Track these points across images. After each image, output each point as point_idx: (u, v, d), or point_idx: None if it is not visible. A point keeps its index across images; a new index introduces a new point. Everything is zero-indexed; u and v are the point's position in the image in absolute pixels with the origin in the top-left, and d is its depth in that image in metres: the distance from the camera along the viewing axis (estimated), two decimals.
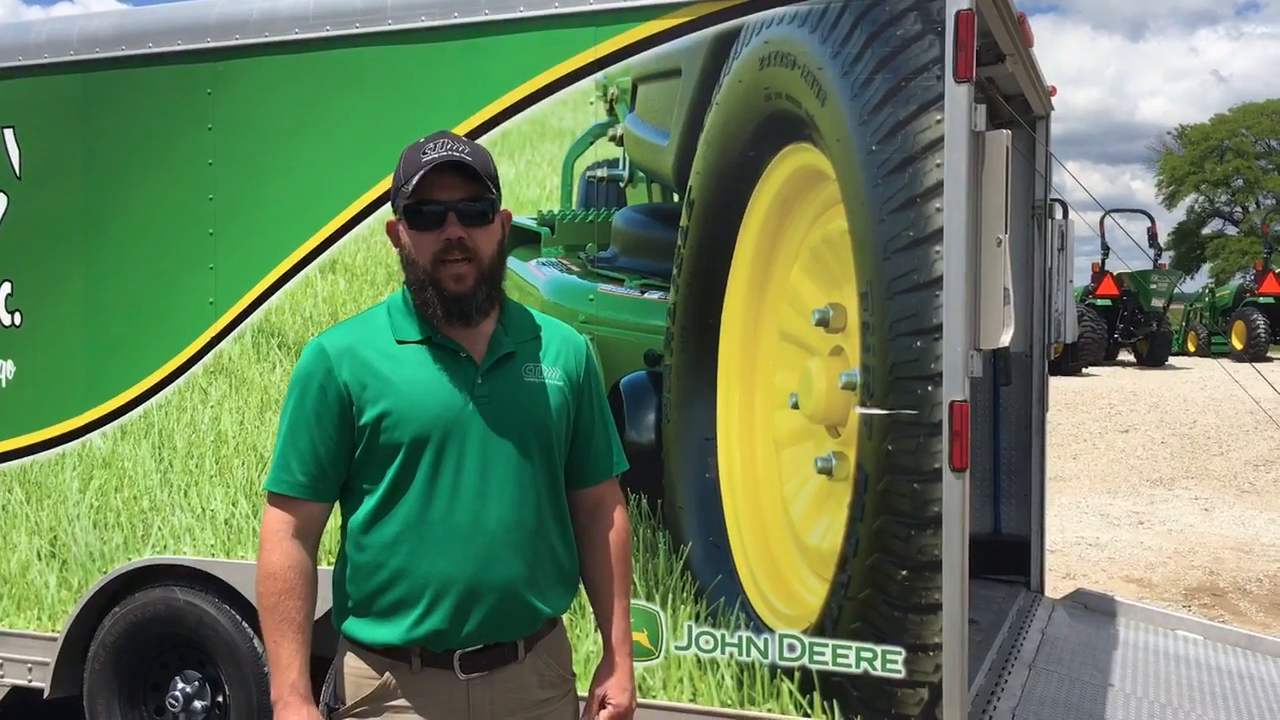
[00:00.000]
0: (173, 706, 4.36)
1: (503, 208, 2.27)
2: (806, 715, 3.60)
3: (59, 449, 4.49)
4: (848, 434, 3.52)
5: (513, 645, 2.23)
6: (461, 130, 3.87)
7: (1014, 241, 4.79)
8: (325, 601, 2.26)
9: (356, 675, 2.21)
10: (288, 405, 2.24)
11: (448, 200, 2.16)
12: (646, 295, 3.79)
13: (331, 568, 2.30)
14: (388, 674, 2.19)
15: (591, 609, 2.44)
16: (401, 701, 2.18)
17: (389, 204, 2.29)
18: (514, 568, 2.19)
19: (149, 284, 4.36)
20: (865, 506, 3.48)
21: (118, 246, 4.40)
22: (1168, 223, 58.59)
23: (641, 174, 3.83)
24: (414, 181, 2.14)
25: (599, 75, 3.80)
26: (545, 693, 2.29)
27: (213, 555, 4.26)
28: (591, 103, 3.83)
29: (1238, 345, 23.28)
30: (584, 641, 3.80)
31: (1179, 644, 5.32)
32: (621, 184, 3.85)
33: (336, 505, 2.29)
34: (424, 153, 2.16)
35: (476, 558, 2.16)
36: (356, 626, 2.21)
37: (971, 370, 3.45)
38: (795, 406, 3.63)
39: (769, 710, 3.64)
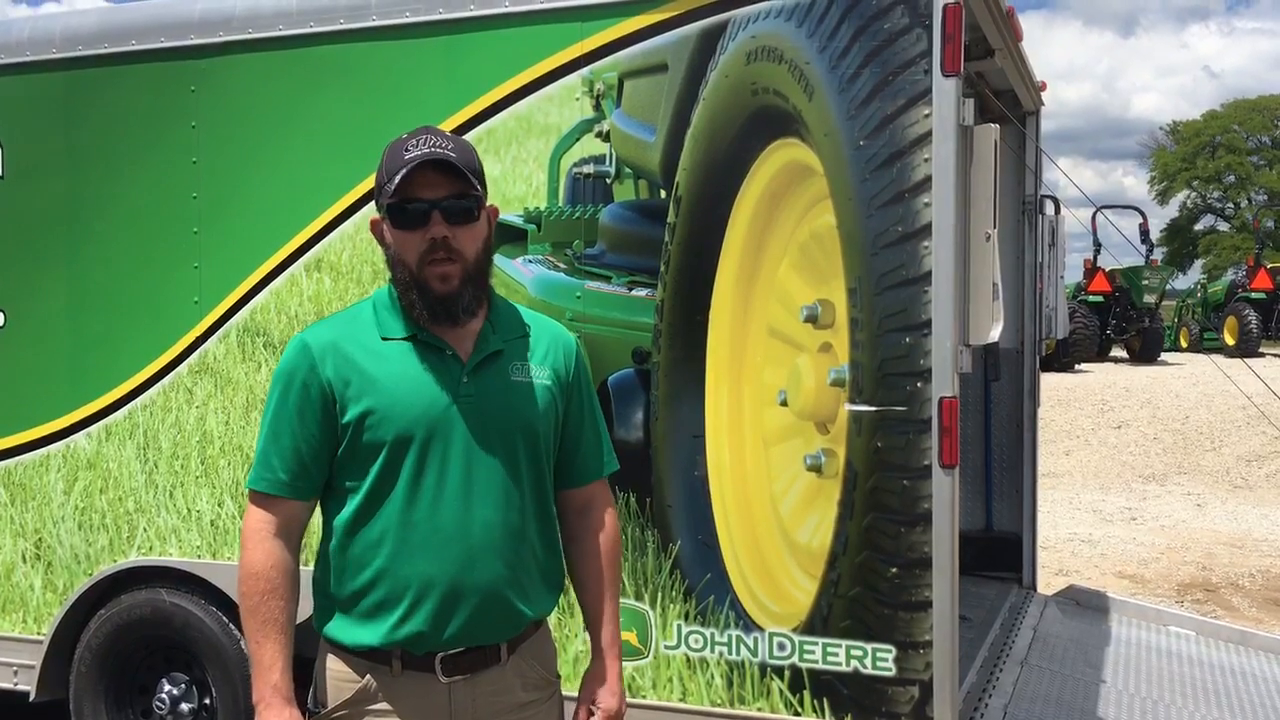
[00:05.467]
0: (159, 709, 4.33)
1: (488, 203, 2.24)
2: (797, 714, 3.58)
3: (43, 450, 4.46)
4: (837, 431, 3.50)
5: (495, 648, 2.20)
6: (447, 126, 3.84)
7: (1004, 237, 4.78)
8: (307, 602, 2.23)
9: (337, 678, 2.19)
10: (270, 402, 2.21)
11: (431, 198, 2.12)
12: (634, 292, 3.77)
13: (312, 568, 2.27)
14: (368, 676, 2.16)
15: (580, 610, 2.42)
16: (383, 705, 2.15)
17: (374, 202, 2.26)
18: (497, 570, 2.16)
19: (133, 283, 4.33)
20: (855, 504, 3.46)
21: (101, 245, 4.37)
22: (1160, 219, 58.79)
23: (628, 170, 3.80)
24: (397, 179, 2.10)
25: (585, 71, 3.77)
26: (529, 695, 2.26)
27: (199, 557, 4.23)
28: (578, 98, 3.80)
29: (1230, 341, 23.31)
30: (573, 641, 3.77)
31: (1171, 640, 5.31)
32: (608, 180, 3.83)
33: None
34: (406, 150, 2.13)
35: (459, 559, 2.13)
36: (337, 628, 2.18)
37: (961, 366, 3.43)
38: (784, 403, 3.60)
39: (759, 709, 3.62)
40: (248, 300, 4.19)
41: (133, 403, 4.33)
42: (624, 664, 3.62)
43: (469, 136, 3.83)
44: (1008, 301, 4.90)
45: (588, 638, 2.39)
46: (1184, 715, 4.38)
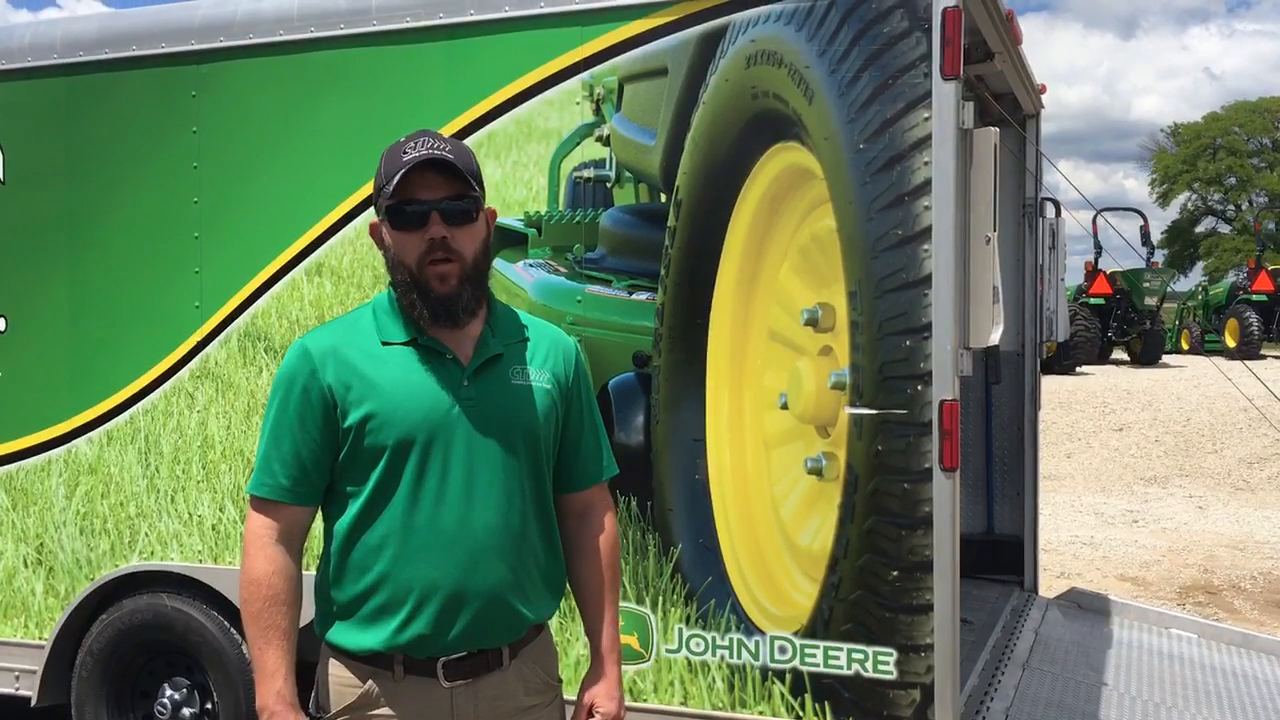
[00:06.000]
0: (161, 714, 4.33)
1: (487, 206, 2.25)
2: (798, 717, 3.58)
3: (45, 455, 4.46)
4: (837, 434, 3.50)
5: (497, 652, 2.20)
6: (448, 131, 3.85)
7: (1004, 240, 4.78)
8: (310, 607, 2.23)
9: (339, 683, 2.19)
10: (271, 407, 2.21)
11: (430, 200, 2.13)
12: (634, 296, 3.77)
13: (314, 573, 2.27)
14: (370, 681, 2.16)
15: (580, 614, 2.42)
16: (385, 710, 2.15)
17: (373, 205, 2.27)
18: (499, 573, 2.16)
19: (134, 288, 4.33)
20: (855, 507, 3.46)
21: (102, 250, 4.38)
22: (1161, 221, 58.79)
23: (628, 174, 3.81)
24: (395, 181, 2.11)
25: (585, 75, 3.78)
26: (531, 699, 2.26)
27: (200, 561, 4.23)
28: (578, 103, 3.81)
29: (1231, 343, 23.30)
30: (574, 645, 3.77)
31: (1173, 643, 5.31)
32: (608, 184, 3.83)
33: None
34: (404, 152, 2.14)
35: (461, 563, 2.14)
36: (339, 633, 2.18)
37: (961, 369, 3.43)
38: (784, 407, 3.60)
39: (760, 713, 3.62)
40: (249, 305, 4.19)
41: (134, 407, 4.33)
42: (625, 668, 3.64)
43: (469, 141, 3.84)
44: (1008, 304, 4.90)
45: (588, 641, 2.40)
46: (1185, 718, 4.38)
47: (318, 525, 2.26)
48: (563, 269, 3.87)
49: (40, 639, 4.44)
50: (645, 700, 3.73)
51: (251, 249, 4.19)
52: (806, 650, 3.56)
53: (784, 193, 3.58)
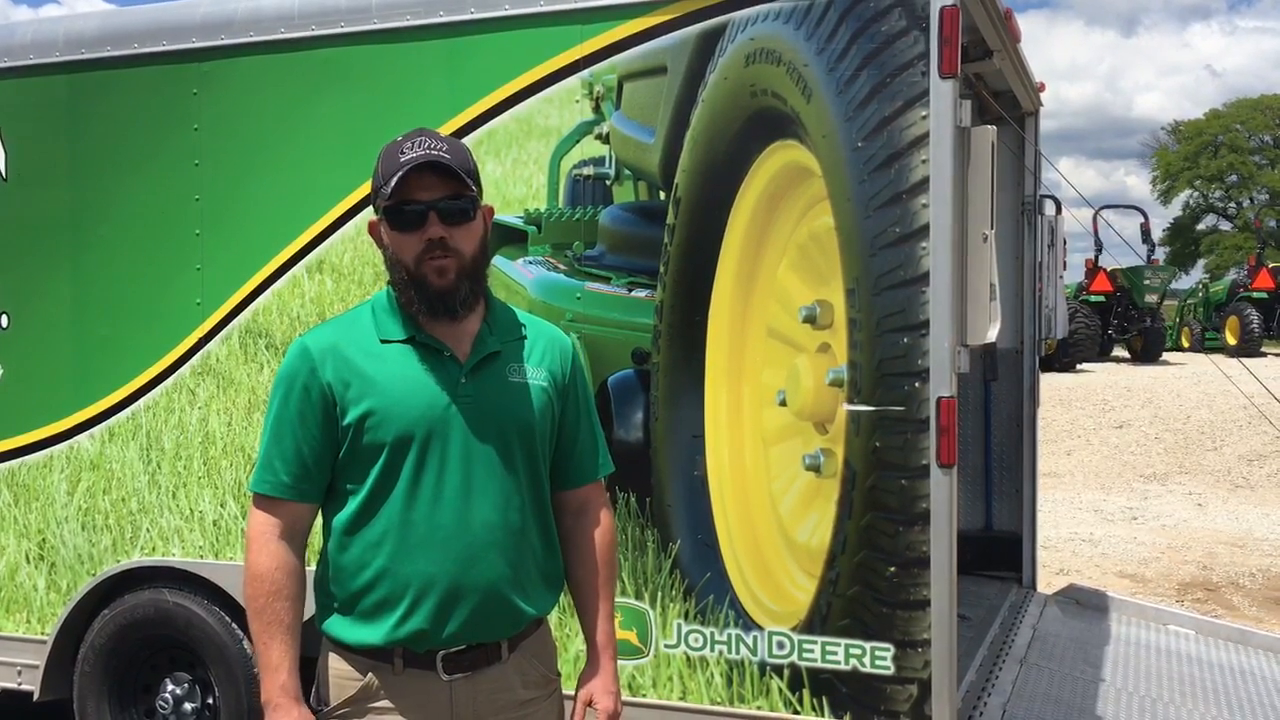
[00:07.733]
0: (163, 708, 4.35)
1: (485, 203, 2.26)
2: (796, 712, 3.60)
3: (47, 451, 4.48)
4: (835, 431, 3.52)
5: (496, 645, 2.22)
6: (447, 129, 3.86)
7: (1003, 237, 4.80)
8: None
9: (339, 676, 2.20)
10: (272, 405, 2.23)
11: (428, 200, 2.15)
12: (634, 293, 3.79)
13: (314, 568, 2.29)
14: (370, 675, 2.18)
15: (576, 610, 2.43)
16: (384, 703, 2.17)
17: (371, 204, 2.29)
18: (497, 568, 2.18)
19: (136, 285, 4.35)
20: (853, 503, 3.47)
21: (104, 248, 4.39)
22: (1163, 219, 58.75)
23: (628, 172, 3.82)
24: (393, 182, 2.13)
25: (585, 73, 3.79)
26: (529, 693, 2.28)
27: (201, 557, 4.25)
28: (577, 101, 3.82)
29: (1231, 341, 23.32)
30: (574, 640, 3.79)
31: (1171, 639, 5.32)
32: (608, 182, 3.85)
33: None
34: (402, 152, 2.15)
35: (459, 558, 2.15)
36: (339, 627, 2.20)
37: (959, 366, 3.44)
38: (783, 404, 3.62)
39: (758, 708, 3.64)
40: (250, 302, 4.21)
41: (136, 404, 4.35)
42: (624, 663, 3.66)
43: (469, 139, 3.85)
44: (1006, 301, 4.92)
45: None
46: (1183, 713, 4.39)
47: (318, 521, 2.28)
48: (562, 266, 3.88)
49: (42, 634, 4.46)
50: (644, 695, 3.75)
51: (252, 246, 4.20)
52: (804, 645, 3.58)
53: (782, 190, 3.59)
